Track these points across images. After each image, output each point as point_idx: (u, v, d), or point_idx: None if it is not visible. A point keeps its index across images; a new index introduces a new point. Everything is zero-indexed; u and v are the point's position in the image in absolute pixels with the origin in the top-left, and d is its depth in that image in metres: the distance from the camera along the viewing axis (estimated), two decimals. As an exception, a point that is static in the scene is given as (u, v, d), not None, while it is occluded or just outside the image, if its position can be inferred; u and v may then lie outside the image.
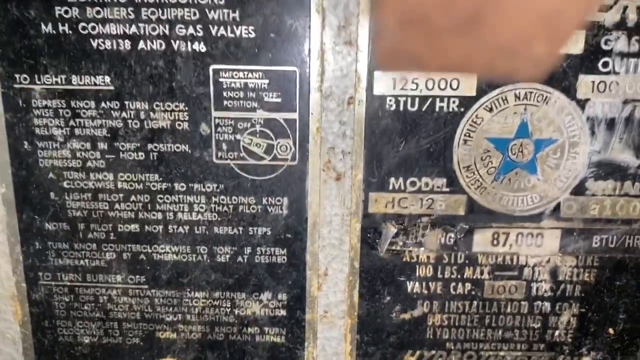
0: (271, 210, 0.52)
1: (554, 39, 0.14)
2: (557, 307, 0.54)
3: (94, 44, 0.48)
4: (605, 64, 0.48)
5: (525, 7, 0.13)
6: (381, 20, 0.15)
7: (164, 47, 0.48)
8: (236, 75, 0.48)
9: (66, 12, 0.47)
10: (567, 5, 0.13)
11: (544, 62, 0.15)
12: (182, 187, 0.51)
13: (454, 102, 0.49)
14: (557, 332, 0.55)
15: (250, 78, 0.48)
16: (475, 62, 0.16)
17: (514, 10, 0.13)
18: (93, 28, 0.47)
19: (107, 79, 0.49)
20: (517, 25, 0.14)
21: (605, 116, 0.49)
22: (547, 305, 0.54)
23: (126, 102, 0.49)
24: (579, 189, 0.51)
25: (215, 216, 0.52)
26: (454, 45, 0.15)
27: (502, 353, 0.56)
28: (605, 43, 0.48)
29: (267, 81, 0.48)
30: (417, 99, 0.49)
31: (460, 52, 0.15)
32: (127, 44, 0.48)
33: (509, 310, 0.54)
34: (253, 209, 0.52)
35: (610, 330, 0.55)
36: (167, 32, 0.47)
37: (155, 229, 0.52)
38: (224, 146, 0.50)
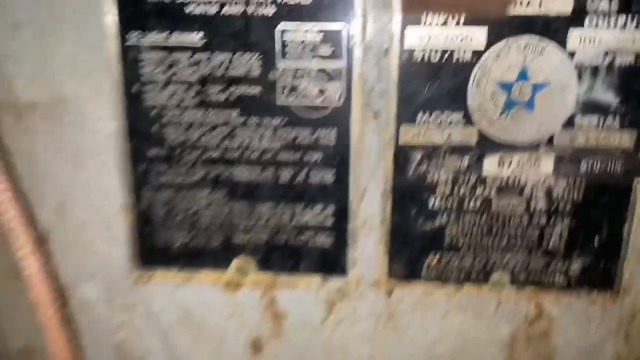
0: (322, 141, 0.66)
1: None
2: (551, 220, 0.67)
3: (188, 10, 0.62)
4: (590, 21, 0.60)
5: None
6: None
7: (242, 11, 0.62)
8: (297, 32, 0.62)
9: (168, -15, 0.62)
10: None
11: (505, 3, 0.29)
12: (255, 121, 0.65)
13: (467, 54, 0.62)
14: (552, 241, 0.68)
15: (308, 34, 0.62)
16: (463, 2, 0.30)
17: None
18: (188, -3, 0.62)
19: (198, 36, 0.63)
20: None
21: (590, 64, 0.61)
22: (543, 218, 0.67)
23: (213, 55, 0.63)
24: (569, 123, 0.63)
25: (279, 145, 0.66)
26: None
27: (506, 258, 0.69)
28: (592, 1, 0.59)
29: (321, 36, 0.62)
30: (438, 52, 0.62)
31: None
32: (214, 9, 0.62)
33: (512, 222, 0.67)
34: (309, 139, 0.66)
35: (596, 240, 0.67)
36: (245, -1, 0.61)
37: (234, 154, 0.67)
38: (287, 90, 0.64)
